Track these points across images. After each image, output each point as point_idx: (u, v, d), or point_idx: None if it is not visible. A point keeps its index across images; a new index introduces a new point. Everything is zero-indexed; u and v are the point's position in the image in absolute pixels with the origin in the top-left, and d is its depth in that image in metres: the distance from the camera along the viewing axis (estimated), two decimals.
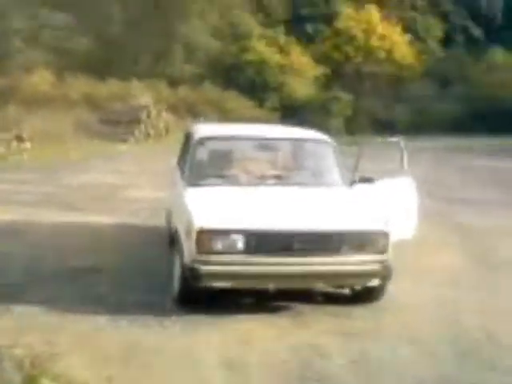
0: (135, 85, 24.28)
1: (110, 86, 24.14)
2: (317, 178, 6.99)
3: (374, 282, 5.89)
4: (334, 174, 6.99)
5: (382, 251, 5.76)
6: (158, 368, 4.63)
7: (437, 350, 5.16)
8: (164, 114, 23.15)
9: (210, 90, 27.19)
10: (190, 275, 5.52)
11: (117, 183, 12.84)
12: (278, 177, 6.81)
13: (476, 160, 19.01)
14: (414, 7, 35.24)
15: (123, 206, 10.50)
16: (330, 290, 6.25)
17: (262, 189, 6.46)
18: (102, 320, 5.45)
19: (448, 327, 5.68)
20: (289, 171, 7.05)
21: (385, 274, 5.82)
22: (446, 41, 34.40)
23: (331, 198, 6.53)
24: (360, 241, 5.73)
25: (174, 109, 24.22)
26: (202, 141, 7.00)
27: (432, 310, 6.10)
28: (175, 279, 5.97)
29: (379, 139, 9.05)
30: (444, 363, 4.94)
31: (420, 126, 27.47)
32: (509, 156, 20.12)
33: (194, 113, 24.79)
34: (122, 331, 5.26)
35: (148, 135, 22.17)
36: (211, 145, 7.05)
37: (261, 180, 6.67)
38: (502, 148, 22.38)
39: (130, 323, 5.41)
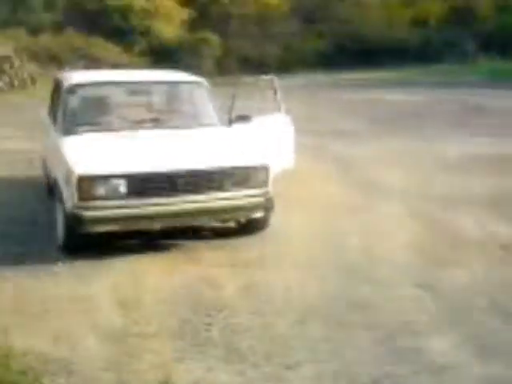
0: None
1: None
2: (194, 120, 7.00)
3: (258, 214, 6.08)
4: (210, 114, 7.03)
5: (264, 185, 5.94)
6: (53, 315, 4.61)
7: (320, 273, 5.44)
8: (27, 65, 22.22)
9: (74, 37, 26.27)
10: (74, 222, 5.52)
11: None
12: (154, 120, 6.81)
13: (344, 94, 19.58)
14: None
15: None
16: (217, 224, 6.38)
17: (139, 133, 6.44)
18: None
19: (330, 250, 5.97)
20: (165, 114, 7.10)
21: (267, 206, 6.02)
22: None
23: (210, 137, 6.60)
24: (242, 176, 5.86)
25: (36, 58, 23.35)
26: (73, 88, 6.88)
27: (315, 237, 6.36)
28: (59, 227, 5.95)
29: (252, 78, 9.14)
30: (328, 282, 5.22)
31: (289, 63, 27.89)
32: (375, 88, 20.90)
33: (59, 61, 24.00)
34: (9, 281, 5.19)
35: (12, 86, 21.26)
36: (83, 92, 6.93)
37: (137, 124, 6.64)
38: (367, 82, 23.17)
39: (15, 273, 5.35)
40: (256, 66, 25.60)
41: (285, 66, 26.62)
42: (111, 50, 26.23)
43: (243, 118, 7.15)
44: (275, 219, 6.29)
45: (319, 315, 4.62)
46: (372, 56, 27.45)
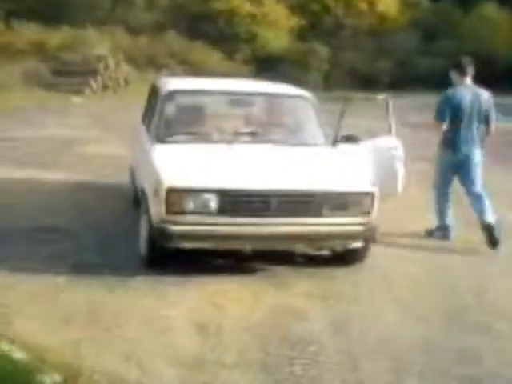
0: (91, 33, 23.96)
1: (63, 34, 23.80)
2: (296, 137, 7.07)
3: (357, 244, 6.10)
4: (315, 132, 7.09)
5: (367, 213, 5.92)
6: (126, 332, 4.69)
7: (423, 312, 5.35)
8: (123, 65, 22.94)
9: (174, 41, 26.89)
10: (159, 235, 5.63)
11: (74, 136, 12.92)
12: (253, 134, 6.89)
13: None
14: None
15: (82, 162, 10.57)
16: (310, 251, 6.43)
17: (236, 146, 6.53)
18: (61, 280, 5.56)
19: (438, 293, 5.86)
20: (265, 129, 7.14)
21: (368, 236, 6.02)
22: None
23: (312, 157, 6.63)
24: (343, 202, 5.88)
25: (133, 60, 23.98)
26: (172, 94, 7.03)
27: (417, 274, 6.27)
28: (142, 240, 6.09)
29: (363, 95, 9.13)
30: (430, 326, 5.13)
31: (404, 81, 27.63)
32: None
33: (156, 65, 24.61)
34: (82, 292, 5.33)
35: (106, 87, 22.01)
36: (181, 99, 7.11)
37: (234, 137, 6.75)
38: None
39: (90, 284, 5.50)
40: (366, 81, 25.55)
41: (399, 84, 26.41)
42: (213, 56, 26.69)
43: (350, 139, 7.16)
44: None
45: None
46: (502, 79, 26.64)
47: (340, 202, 5.86)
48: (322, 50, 28.96)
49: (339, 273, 6.16)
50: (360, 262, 6.32)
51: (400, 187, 7.95)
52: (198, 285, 5.61)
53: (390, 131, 8.52)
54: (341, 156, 6.78)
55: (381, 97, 8.65)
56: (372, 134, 8.19)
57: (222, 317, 5.04)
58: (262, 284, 5.77)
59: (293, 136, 7.08)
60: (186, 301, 5.30)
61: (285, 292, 5.64)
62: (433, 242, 7.35)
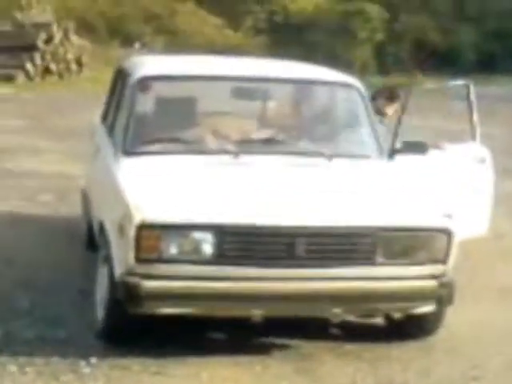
0: None
1: None
2: (335, 145, 7.09)
3: (425, 308, 6.02)
4: (363, 138, 7.13)
5: (441, 260, 5.90)
6: None
7: None
8: (74, 38, 23.06)
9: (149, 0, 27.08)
10: (125, 295, 5.62)
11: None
12: (269, 141, 6.91)
13: None
14: None
15: (11, 184, 10.67)
16: (354, 319, 6.43)
17: (243, 160, 6.53)
18: None
19: None
20: (288, 133, 7.14)
21: (443, 295, 5.93)
22: None
23: (359, 175, 6.65)
24: (406, 244, 5.86)
25: (89, 29, 24.13)
26: (146, 82, 7.06)
27: None
28: (99, 302, 6.13)
29: (434, 83, 9.18)
30: None
31: (498, 59, 27.63)
32: None
33: (124, 36, 24.73)
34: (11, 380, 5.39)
35: (48, 71, 22.12)
36: (160, 89, 7.20)
37: (241, 146, 6.76)
38: None
39: (22, 371, 5.52)
40: (440, 59, 25.56)
41: (488, 62, 26.41)
42: (207, 22, 26.76)
43: (415, 148, 7.22)
44: None
45: None
46: None
47: (401, 245, 5.85)
48: (374, 12, 29.00)
49: (400, 354, 6.12)
50: (430, 336, 6.31)
51: (487, 222, 7.97)
52: (183, 371, 5.59)
53: (473, 135, 8.52)
54: (402, 174, 6.80)
55: (460, 83, 8.66)
56: (446, 140, 8.21)
57: None
58: (280, 371, 5.74)
59: (330, 144, 7.06)
60: None
61: None
62: None
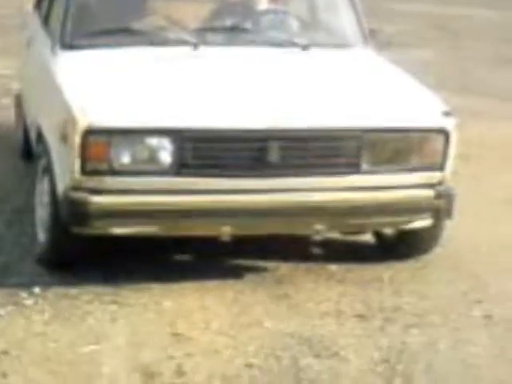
0: None
1: None
2: (312, 33, 6.90)
3: (421, 223, 5.77)
4: (346, 23, 6.90)
5: (437, 166, 5.68)
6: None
7: None
8: None
9: None
10: (70, 213, 5.39)
11: None
12: (234, 30, 6.68)
13: None
14: None
15: None
16: (338, 236, 6.29)
17: (203, 52, 6.27)
18: None
19: None
20: (256, 20, 6.85)
21: (441, 207, 5.71)
22: None
23: (338, 69, 6.49)
24: (397, 147, 5.66)
25: None
26: None
27: None
28: (39, 222, 5.97)
29: None
30: None
31: None
32: None
33: None
34: None
35: None
36: None
37: (201, 36, 6.46)
38: None
39: None
40: None
41: None
42: None
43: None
44: None
45: None
46: None
47: (391, 148, 5.62)
48: None
49: (391, 275, 5.98)
50: (425, 254, 6.13)
51: None
52: (141, 299, 5.43)
53: None
54: (391, 66, 6.53)
55: None
56: None
57: (184, 361, 4.78)
58: (253, 298, 5.58)
59: (306, 32, 6.86)
60: (115, 330, 5.10)
61: (294, 311, 5.45)
62: None
